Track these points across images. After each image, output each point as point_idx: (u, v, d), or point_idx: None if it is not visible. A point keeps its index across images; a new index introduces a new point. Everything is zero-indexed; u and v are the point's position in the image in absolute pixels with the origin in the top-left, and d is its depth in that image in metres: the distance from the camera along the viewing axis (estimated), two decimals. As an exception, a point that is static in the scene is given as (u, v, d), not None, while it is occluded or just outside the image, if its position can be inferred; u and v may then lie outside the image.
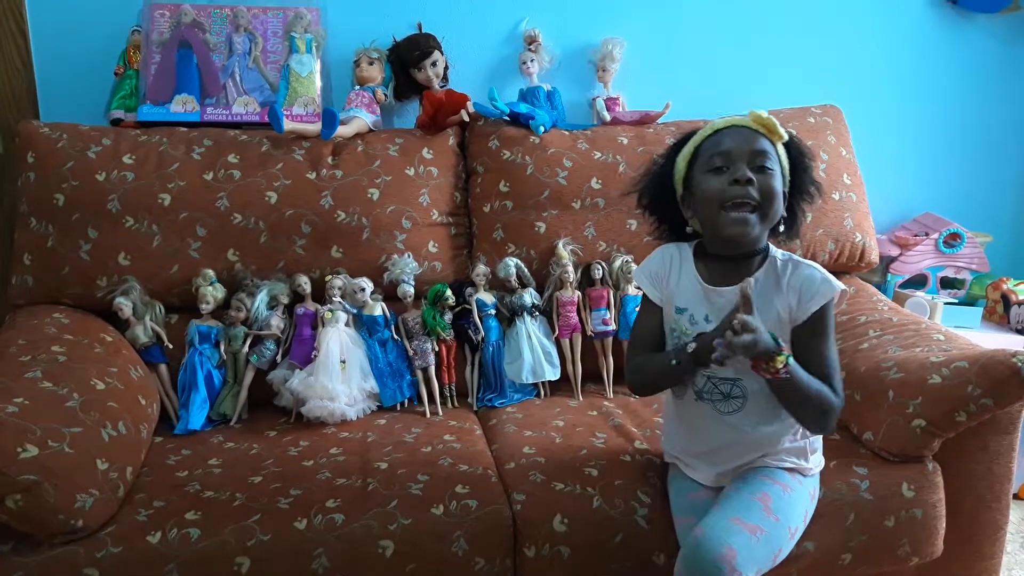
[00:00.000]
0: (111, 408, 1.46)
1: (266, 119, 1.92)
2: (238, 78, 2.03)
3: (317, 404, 1.71)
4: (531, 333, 1.89)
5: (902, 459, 1.53)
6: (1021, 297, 2.29)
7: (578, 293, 1.93)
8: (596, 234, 1.97)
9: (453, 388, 1.89)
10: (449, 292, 1.87)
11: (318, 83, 2.04)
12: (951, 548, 1.57)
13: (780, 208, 1.32)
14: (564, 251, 1.92)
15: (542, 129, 2.00)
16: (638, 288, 1.90)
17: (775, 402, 1.34)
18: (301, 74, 2.02)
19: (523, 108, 2.03)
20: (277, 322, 1.81)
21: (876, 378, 1.59)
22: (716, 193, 1.30)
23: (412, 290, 1.86)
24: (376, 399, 1.82)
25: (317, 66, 2.04)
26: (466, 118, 2.03)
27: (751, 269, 1.34)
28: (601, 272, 1.94)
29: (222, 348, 1.80)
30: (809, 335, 1.31)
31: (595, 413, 1.78)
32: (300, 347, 1.81)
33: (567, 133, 2.04)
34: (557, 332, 1.92)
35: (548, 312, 1.94)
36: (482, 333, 1.89)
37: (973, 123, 2.50)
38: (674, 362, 1.33)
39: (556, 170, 1.96)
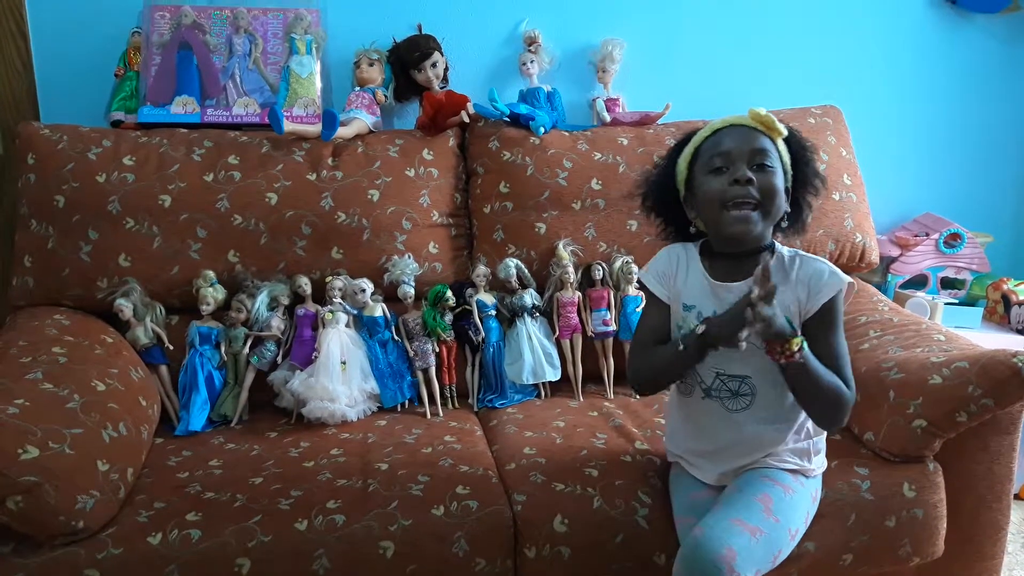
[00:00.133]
0: (112, 409, 1.46)
1: (266, 120, 1.92)
2: (238, 79, 2.03)
3: (318, 405, 1.71)
4: (531, 334, 1.89)
5: (903, 459, 1.53)
6: (1021, 297, 2.29)
7: (578, 294, 1.94)
8: (596, 235, 1.97)
9: (454, 389, 1.89)
10: (449, 293, 1.87)
11: (318, 84, 2.04)
12: (952, 548, 1.57)
13: (782, 204, 1.32)
14: (564, 252, 1.92)
15: (542, 130, 2.01)
16: (639, 289, 1.91)
17: (783, 401, 1.34)
18: (301, 75, 2.03)
19: (523, 109, 2.03)
20: (277, 323, 1.81)
21: (877, 378, 1.59)
22: (717, 193, 1.31)
23: (412, 291, 1.86)
24: (377, 400, 1.82)
25: (317, 67, 2.04)
26: (466, 119, 2.03)
27: (757, 264, 1.34)
28: (601, 273, 1.94)
29: (223, 349, 1.80)
30: (819, 327, 1.31)
31: (596, 414, 1.78)
32: (301, 348, 1.81)
33: (567, 134, 2.04)
34: (558, 333, 1.92)
35: (548, 313, 1.95)
36: (482, 334, 1.89)
37: (973, 123, 2.50)
38: (681, 347, 1.32)
39: (556, 171, 1.96)
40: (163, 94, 1.98)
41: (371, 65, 2.08)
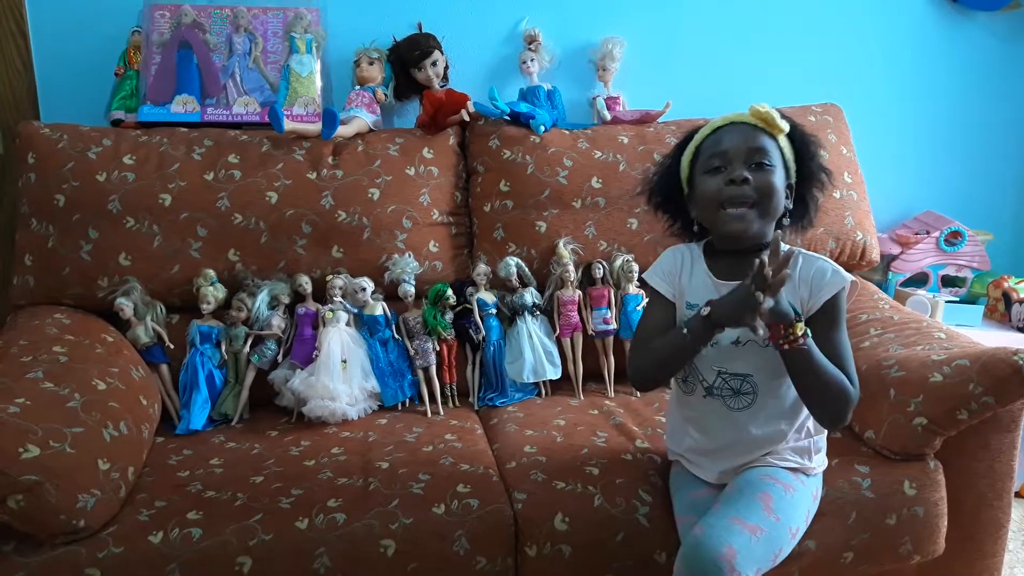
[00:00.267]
0: (112, 408, 1.46)
1: (266, 119, 1.92)
2: (238, 78, 2.03)
3: (318, 404, 1.71)
4: (532, 332, 1.89)
5: (904, 457, 1.53)
6: (1022, 295, 2.29)
7: (579, 292, 1.93)
8: (597, 233, 1.97)
9: (454, 387, 1.89)
10: (450, 291, 1.87)
11: (318, 83, 2.04)
12: (953, 546, 1.57)
13: (780, 202, 1.32)
14: (565, 250, 1.92)
15: (542, 128, 2.00)
16: (639, 287, 1.91)
17: (784, 400, 1.34)
18: (301, 74, 2.03)
19: (523, 107, 2.03)
20: (278, 322, 1.81)
21: (877, 376, 1.59)
22: (714, 194, 1.32)
23: (413, 290, 1.86)
24: (377, 399, 1.83)
25: (317, 66, 2.04)
26: (466, 118, 2.03)
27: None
28: (602, 271, 1.94)
29: (223, 348, 1.80)
30: (821, 325, 1.30)
31: (596, 412, 1.78)
32: (301, 347, 1.81)
33: (567, 132, 2.04)
34: (558, 331, 1.92)
35: (549, 311, 1.94)
36: (483, 332, 1.89)
37: (974, 121, 2.50)
38: (684, 331, 1.30)
39: (556, 169, 1.96)
40: (163, 93, 1.98)
41: (371, 64, 2.08)
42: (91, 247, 1.77)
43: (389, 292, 1.89)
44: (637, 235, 1.98)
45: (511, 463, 1.55)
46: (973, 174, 2.53)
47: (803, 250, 1.38)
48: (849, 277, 1.32)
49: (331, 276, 1.85)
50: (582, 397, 1.89)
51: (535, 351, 1.88)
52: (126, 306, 1.74)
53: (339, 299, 1.84)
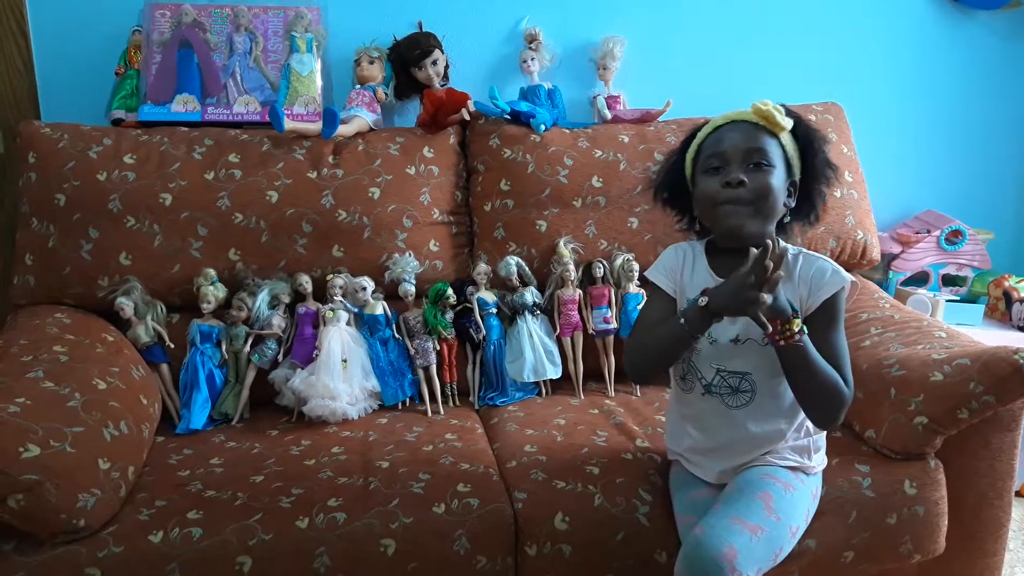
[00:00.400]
0: (113, 408, 1.46)
1: (267, 118, 1.92)
2: (239, 78, 2.03)
3: (319, 403, 1.71)
4: (532, 332, 1.89)
5: (904, 456, 1.53)
6: (1023, 294, 2.29)
7: (579, 291, 1.93)
8: (597, 232, 1.97)
9: (454, 387, 1.89)
10: (450, 291, 1.87)
11: (319, 82, 2.04)
12: (953, 545, 1.57)
13: (778, 202, 1.31)
14: (565, 249, 1.92)
15: (543, 127, 2.00)
16: (639, 287, 1.91)
17: (783, 399, 1.34)
18: (302, 73, 2.03)
19: (524, 106, 2.03)
20: (278, 321, 1.81)
21: (878, 376, 1.59)
22: (711, 194, 1.32)
23: (413, 289, 1.86)
24: (377, 398, 1.83)
25: (318, 65, 2.04)
26: (467, 117, 2.03)
27: None
28: (602, 270, 1.93)
29: (223, 347, 1.80)
30: (819, 325, 1.30)
31: (596, 411, 1.78)
32: (301, 346, 1.81)
33: (568, 131, 2.04)
34: (558, 331, 1.91)
35: (549, 310, 1.94)
36: (483, 332, 1.89)
37: (974, 120, 2.50)
38: (682, 321, 1.28)
39: (557, 168, 1.96)
40: (164, 92, 1.98)
41: (371, 63, 2.08)
42: (91, 246, 1.77)
43: (389, 291, 1.89)
44: (637, 234, 1.98)
45: (511, 462, 1.55)
46: (974, 173, 2.53)
47: (804, 250, 1.38)
48: (849, 278, 1.32)
49: (331, 275, 1.85)
50: (582, 396, 1.89)
51: (535, 350, 1.88)
52: (126, 305, 1.74)
53: (339, 298, 1.84)
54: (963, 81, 2.46)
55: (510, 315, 1.93)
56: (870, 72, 2.40)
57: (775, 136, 1.32)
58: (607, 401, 1.84)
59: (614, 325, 1.93)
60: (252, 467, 1.52)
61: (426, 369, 1.84)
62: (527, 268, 1.94)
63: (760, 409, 1.35)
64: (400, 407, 1.83)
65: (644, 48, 2.24)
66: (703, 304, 1.26)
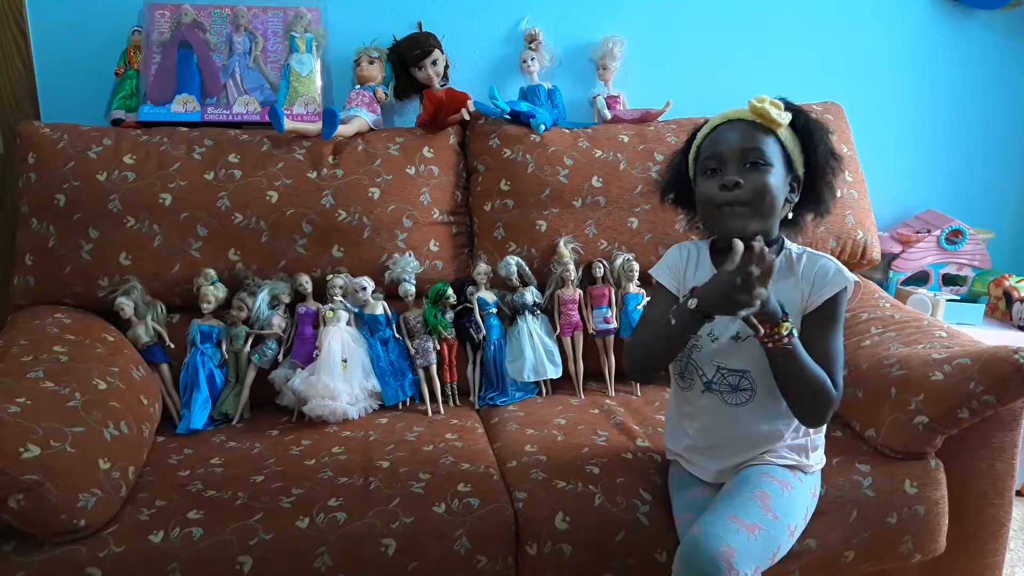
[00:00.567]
0: (113, 408, 1.46)
1: (267, 119, 1.92)
2: (238, 78, 2.03)
3: (319, 403, 1.71)
4: (532, 331, 1.89)
5: (905, 456, 1.53)
6: (1023, 293, 2.29)
7: (579, 291, 1.93)
8: (597, 232, 1.97)
9: (455, 387, 1.89)
10: (450, 291, 1.87)
11: (318, 82, 2.04)
12: (954, 545, 1.57)
13: (778, 200, 1.31)
14: (565, 249, 1.92)
15: (543, 127, 2.00)
16: (639, 287, 1.91)
17: (782, 398, 1.34)
18: (301, 73, 2.03)
19: (524, 106, 2.03)
20: (279, 321, 1.81)
21: (878, 375, 1.59)
22: (710, 196, 1.32)
23: (413, 289, 1.86)
24: (378, 398, 1.83)
25: (317, 65, 2.04)
26: (467, 117, 2.03)
27: None
28: (602, 270, 1.93)
29: (224, 347, 1.80)
30: (817, 324, 1.31)
31: (597, 411, 1.78)
32: (302, 346, 1.81)
33: (568, 131, 2.04)
34: (559, 330, 1.91)
35: (549, 310, 1.94)
36: (483, 331, 1.89)
37: (974, 119, 2.50)
38: (673, 321, 1.27)
39: (557, 168, 1.96)
40: (163, 93, 1.98)
41: (371, 63, 2.08)
42: (91, 247, 1.77)
43: (389, 291, 1.89)
44: (638, 234, 1.97)
45: (512, 462, 1.55)
46: (974, 172, 2.53)
47: (809, 249, 1.38)
48: (852, 278, 1.32)
49: (331, 275, 1.85)
50: (583, 396, 1.89)
51: (536, 350, 1.88)
52: (126, 305, 1.74)
53: (339, 298, 1.84)
54: (963, 81, 2.46)
55: (510, 315, 1.93)
56: (870, 72, 2.40)
57: (773, 133, 1.32)
58: (607, 401, 1.84)
59: (614, 325, 1.93)
60: (252, 467, 1.52)
61: (426, 369, 1.84)
62: (527, 268, 1.94)
63: (759, 407, 1.35)
64: (400, 407, 1.83)
65: (644, 48, 2.24)
66: (693, 307, 1.24)
